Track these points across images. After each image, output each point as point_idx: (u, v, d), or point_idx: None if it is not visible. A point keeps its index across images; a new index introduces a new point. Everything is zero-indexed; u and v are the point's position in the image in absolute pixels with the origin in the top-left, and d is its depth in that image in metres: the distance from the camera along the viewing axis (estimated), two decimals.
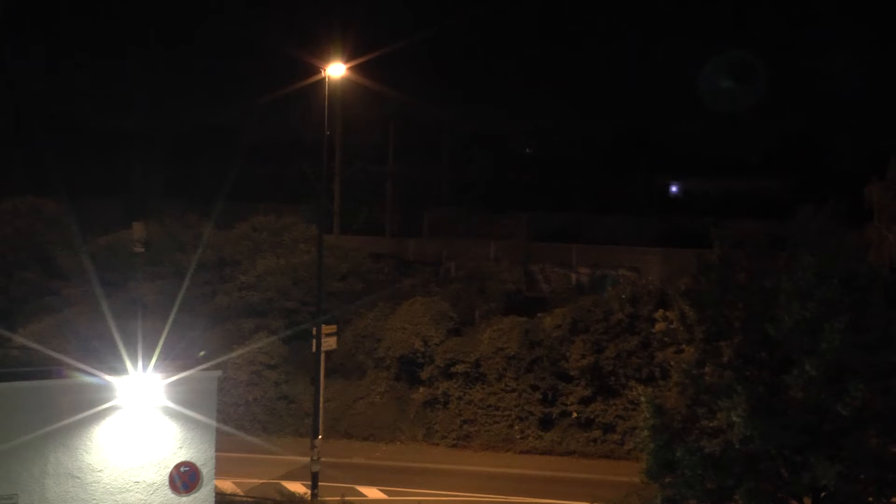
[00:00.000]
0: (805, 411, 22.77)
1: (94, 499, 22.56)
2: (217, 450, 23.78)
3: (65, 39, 75.63)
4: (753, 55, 66.32)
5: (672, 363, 27.26)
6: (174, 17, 75.93)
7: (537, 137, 76.20)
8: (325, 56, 36.17)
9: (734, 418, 22.87)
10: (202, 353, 24.76)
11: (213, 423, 23.62)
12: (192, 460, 23.25)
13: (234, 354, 39.32)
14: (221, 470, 24.86)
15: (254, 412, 41.62)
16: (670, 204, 69.87)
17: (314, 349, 34.64)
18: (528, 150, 77.07)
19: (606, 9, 79.24)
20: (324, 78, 35.04)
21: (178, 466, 23.15)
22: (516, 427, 40.48)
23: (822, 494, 23.35)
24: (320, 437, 33.81)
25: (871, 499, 23.22)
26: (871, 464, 22.93)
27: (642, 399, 25.14)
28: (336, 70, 35.60)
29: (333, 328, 36.52)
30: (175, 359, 23.49)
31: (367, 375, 42.89)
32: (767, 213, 48.64)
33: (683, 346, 26.93)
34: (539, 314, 42.48)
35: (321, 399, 34.76)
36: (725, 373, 23.63)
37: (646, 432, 24.59)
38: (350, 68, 37.41)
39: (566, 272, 54.92)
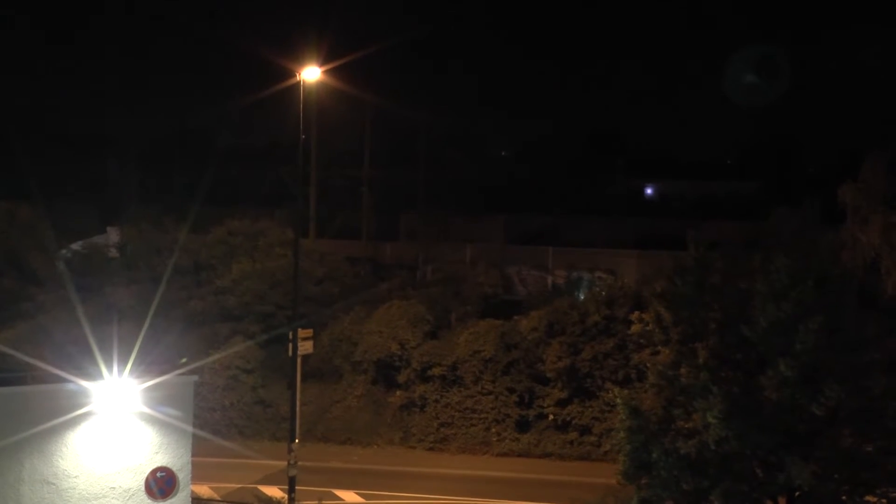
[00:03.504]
0: (780, 412, 22.90)
1: None
2: (193, 455, 23.72)
3: (39, 43, 75.31)
4: (728, 54, 66.56)
5: (648, 365, 27.38)
6: (149, 21, 75.74)
7: (513, 141, 76.31)
8: (300, 59, 36.12)
9: (710, 419, 22.99)
10: (184, 359, 24.66)
11: (190, 428, 23.55)
12: (169, 465, 23.17)
13: (210, 359, 39.22)
14: (198, 475, 24.80)
15: (230, 417, 41.54)
16: (646, 206, 70.11)
17: (290, 353, 34.59)
18: (503, 154, 77.16)
19: (582, 12, 79.49)
20: (299, 81, 35.00)
21: (154, 472, 23.07)
22: (493, 429, 40.53)
23: (797, 494, 23.50)
24: (297, 441, 33.74)
25: (844, 498, 23.36)
26: (845, 463, 23.08)
27: (618, 401, 25.23)
28: (311, 74, 35.56)
29: (310, 332, 36.44)
30: (151, 364, 23.41)
31: (343, 379, 42.87)
32: (743, 214, 48.97)
33: (659, 347, 27.10)
34: (515, 317, 42.59)
35: (298, 403, 34.69)
36: (701, 374, 23.75)
37: (622, 434, 24.69)
38: (325, 72, 37.38)
39: (542, 275, 55.04)
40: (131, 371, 22.84)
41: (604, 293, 41.46)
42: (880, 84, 64.01)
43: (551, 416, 40.26)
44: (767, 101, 62.66)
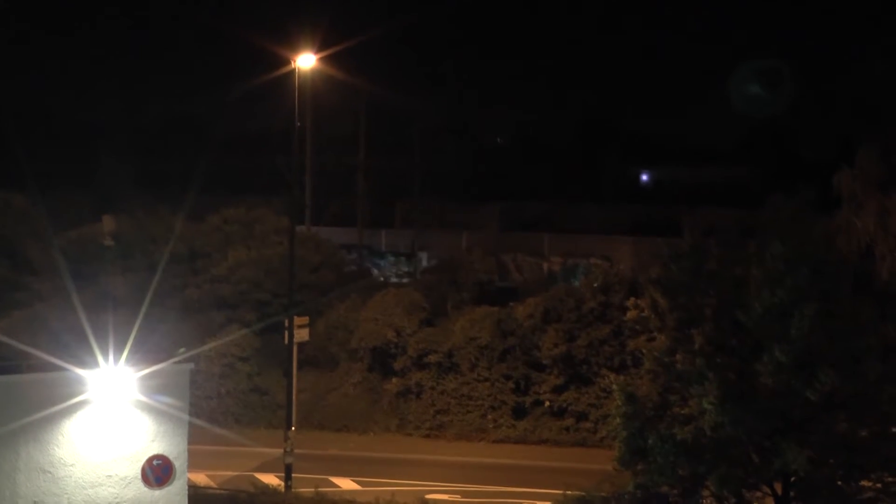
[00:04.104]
0: (775, 397, 22.93)
1: (65, 493, 22.44)
2: (190, 443, 23.70)
3: (32, 32, 75.12)
4: (731, 49, 66.71)
5: (644, 351, 27.35)
6: (143, 9, 75.59)
7: (508, 127, 76.26)
8: (295, 47, 36.06)
9: (705, 405, 23.03)
10: (182, 349, 24.64)
11: (186, 416, 23.53)
12: (165, 453, 23.16)
13: (206, 347, 39.21)
14: (194, 463, 24.78)
15: (226, 405, 41.55)
16: (641, 193, 70.14)
17: (287, 341, 34.60)
18: (498, 141, 77.10)
19: (579, 6, 79.59)
20: (294, 69, 34.94)
21: (150, 460, 23.06)
22: (489, 416, 40.59)
23: (793, 479, 23.55)
24: (293, 428, 33.79)
25: (840, 483, 23.42)
26: (841, 448, 23.10)
27: (614, 387, 25.28)
28: (306, 61, 35.51)
29: (306, 320, 36.45)
30: (147, 352, 23.39)
31: (340, 367, 42.90)
32: (738, 201, 48.90)
33: (655, 333, 27.04)
34: (511, 304, 42.63)
35: (294, 391, 34.73)
36: (697, 360, 23.77)
37: (618, 420, 24.72)
38: (320, 59, 37.32)
39: (538, 261, 55.15)
40: (127, 359, 22.80)
41: (599, 280, 41.44)
42: (877, 76, 64.11)
43: (547, 403, 40.30)
44: (771, 111, 63.00)
